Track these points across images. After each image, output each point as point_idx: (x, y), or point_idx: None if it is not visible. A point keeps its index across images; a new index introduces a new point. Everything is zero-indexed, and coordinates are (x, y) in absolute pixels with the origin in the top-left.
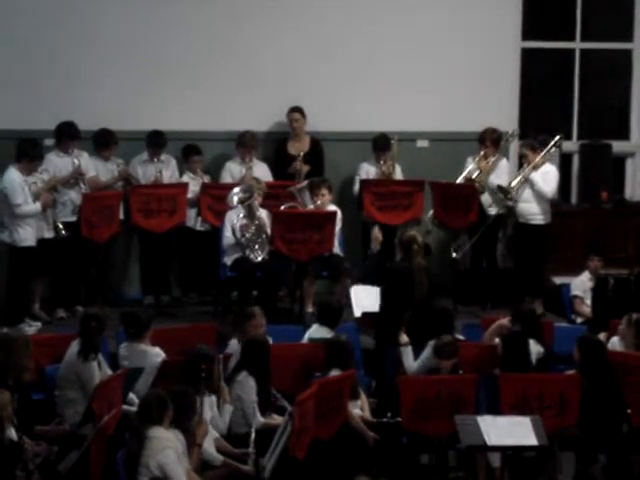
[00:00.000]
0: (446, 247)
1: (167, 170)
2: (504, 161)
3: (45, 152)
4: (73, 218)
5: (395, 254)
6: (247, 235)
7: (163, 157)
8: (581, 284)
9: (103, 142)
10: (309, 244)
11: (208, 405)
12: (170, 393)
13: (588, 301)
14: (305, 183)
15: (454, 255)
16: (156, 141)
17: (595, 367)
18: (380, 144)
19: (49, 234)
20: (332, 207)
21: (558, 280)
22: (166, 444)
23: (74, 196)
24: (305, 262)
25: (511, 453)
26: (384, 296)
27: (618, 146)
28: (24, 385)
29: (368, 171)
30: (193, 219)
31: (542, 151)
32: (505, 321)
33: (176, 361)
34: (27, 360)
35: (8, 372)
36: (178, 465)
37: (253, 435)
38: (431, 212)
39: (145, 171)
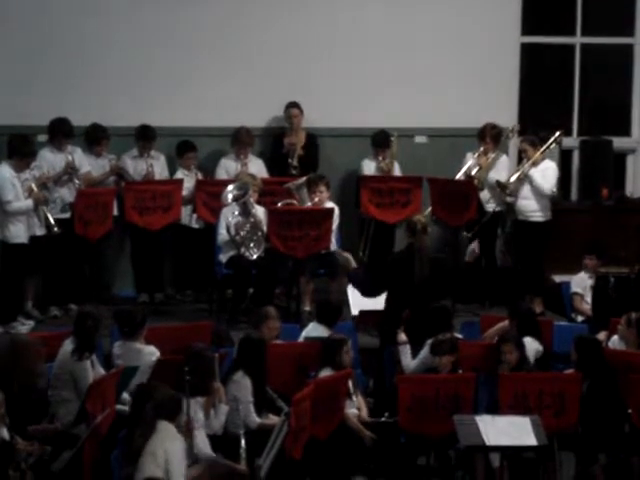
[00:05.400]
0: (444, 244)
1: (157, 166)
2: (504, 157)
3: (38, 148)
4: (63, 215)
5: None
6: (242, 233)
7: (152, 153)
8: (581, 281)
9: (94, 138)
10: (306, 241)
11: (199, 405)
12: None
13: (588, 299)
14: (303, 180)
15: (465, 234)
16: (145, 134)
17: (593, 366)
18: (379, 141)
19: (41, 231)
20: (330, 204)
21: (558, 278)
22: (177, 436)
23: (64, 193)
24: (302, 259)
25: (510, 453)
26: (389, 288)
27: (619, 142)
28: (34, 390)
29: (369, 167)
30: (188, 216)
31: (542, 147)
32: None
33: (171, 360)
34: (40, 365)
35: (16, 377)
36: (182, 462)
37: (242, 433)
38: (429, 209)
39: (136, 166)
